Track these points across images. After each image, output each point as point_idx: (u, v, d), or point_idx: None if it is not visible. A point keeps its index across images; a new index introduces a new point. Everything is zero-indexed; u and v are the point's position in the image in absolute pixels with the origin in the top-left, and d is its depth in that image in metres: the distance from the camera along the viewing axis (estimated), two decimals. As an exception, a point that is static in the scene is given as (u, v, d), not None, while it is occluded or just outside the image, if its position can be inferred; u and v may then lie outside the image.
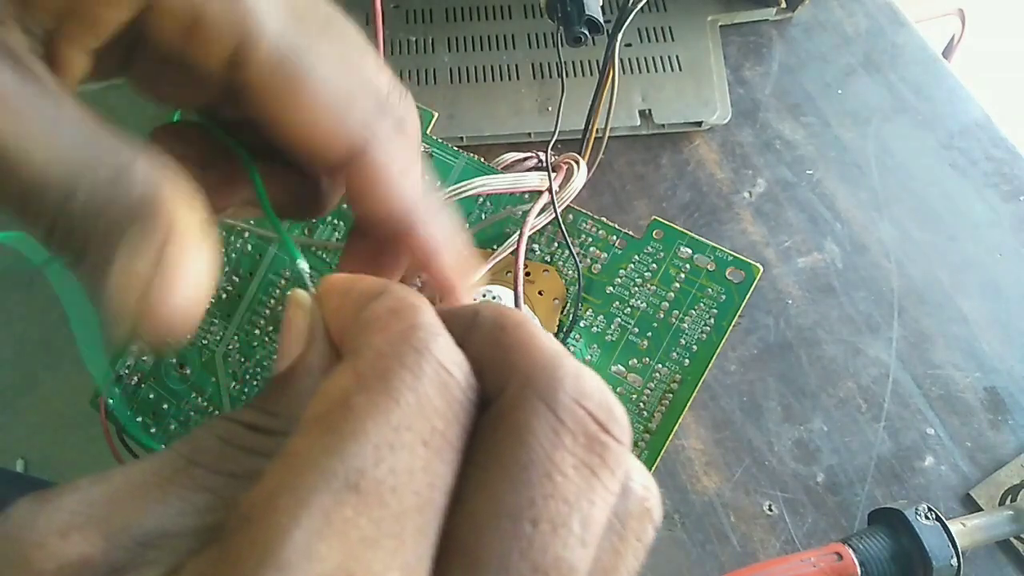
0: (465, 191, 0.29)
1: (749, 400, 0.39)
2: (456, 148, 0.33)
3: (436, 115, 0.33)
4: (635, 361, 0.30)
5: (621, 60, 0.44)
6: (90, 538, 0.11)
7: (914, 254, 0.42)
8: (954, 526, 0.32)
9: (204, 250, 0.14)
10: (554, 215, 0.30)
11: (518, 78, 0.46)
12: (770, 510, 0.36)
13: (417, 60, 0.46)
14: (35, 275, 0.23)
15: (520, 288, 0.29)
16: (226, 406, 0.33)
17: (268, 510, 0.10)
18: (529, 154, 0.33)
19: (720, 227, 0.43)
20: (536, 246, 0.31)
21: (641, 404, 0.29)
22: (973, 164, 0.45)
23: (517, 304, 0.29)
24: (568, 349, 0.26)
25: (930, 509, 0.32)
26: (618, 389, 0.30)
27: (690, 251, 0.30)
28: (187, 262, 0.14)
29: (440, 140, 0.33)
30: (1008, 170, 0.45)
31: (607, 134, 0.36)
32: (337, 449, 0.11)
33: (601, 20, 0.34)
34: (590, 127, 0.35)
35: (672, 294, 0.30)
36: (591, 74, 0.45)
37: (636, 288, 0.30)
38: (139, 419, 0.34)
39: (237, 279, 0.34)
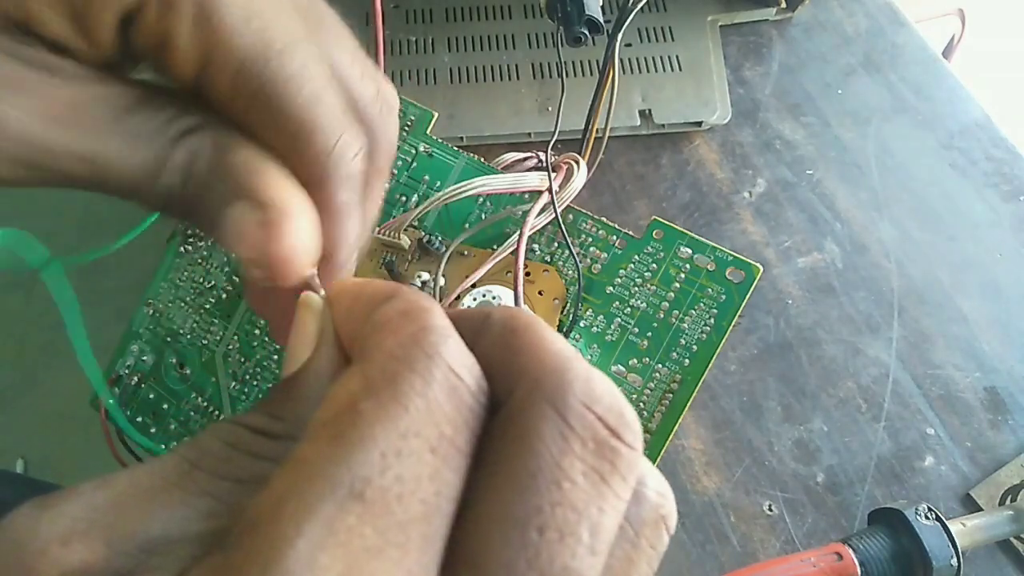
0: (465, 191, 0.29)
1: (749, 400, 0.39)
2: (456, 148, 0.33)
3: (436, 115, 0.33)
4: (635, 361, 0.30)
5: (621, 60, 0.44)
6: (92, 545, 0.11)
7: (914, 254, 0.42)
8: (954, 526, 0.32)
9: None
10: (554, 215, 0.30)
11: (518, 78, 0.46)
12: (770, 510, 0.36)
13: (417, 60, 0.46)
14: (35, 275, 0.23)
15: (520, 288, 0.29)
16: (226, 406, 0.33)
17: (274, 518, 0.10)
18: (529, 154, 0.33)
19: (720, 227, 0.43)
20: (536, 246, 0.31)
21: (641, 404, 0.29)
22: (973, 164, 0.45)
23: (517, 304, 0.29)
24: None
25: (930, 509, 0.32)
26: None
27: (690, 251, 0.30)
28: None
29: (440, 140, 0.33)
30: (1008, 170, 0.45)
31: (607, 134, 0.36)
32: (344, 457, 0.11)
33: (601, 20, 0.34)
34: (590, 127, 0.34)
35: (672, 294, 0.29)
36: (591, 74, 0.45)
37: (636, 288, 0.30)
38: (139, 419, 0.34)
39: (237, 279, 0.34)
